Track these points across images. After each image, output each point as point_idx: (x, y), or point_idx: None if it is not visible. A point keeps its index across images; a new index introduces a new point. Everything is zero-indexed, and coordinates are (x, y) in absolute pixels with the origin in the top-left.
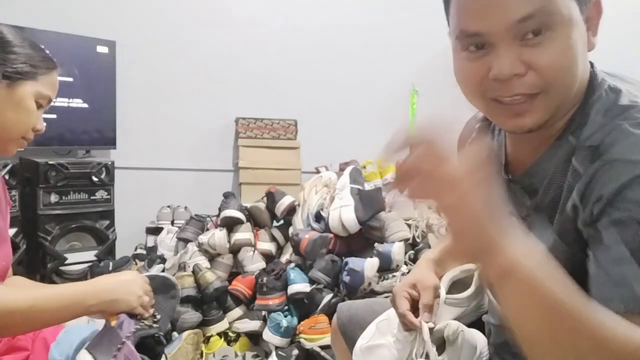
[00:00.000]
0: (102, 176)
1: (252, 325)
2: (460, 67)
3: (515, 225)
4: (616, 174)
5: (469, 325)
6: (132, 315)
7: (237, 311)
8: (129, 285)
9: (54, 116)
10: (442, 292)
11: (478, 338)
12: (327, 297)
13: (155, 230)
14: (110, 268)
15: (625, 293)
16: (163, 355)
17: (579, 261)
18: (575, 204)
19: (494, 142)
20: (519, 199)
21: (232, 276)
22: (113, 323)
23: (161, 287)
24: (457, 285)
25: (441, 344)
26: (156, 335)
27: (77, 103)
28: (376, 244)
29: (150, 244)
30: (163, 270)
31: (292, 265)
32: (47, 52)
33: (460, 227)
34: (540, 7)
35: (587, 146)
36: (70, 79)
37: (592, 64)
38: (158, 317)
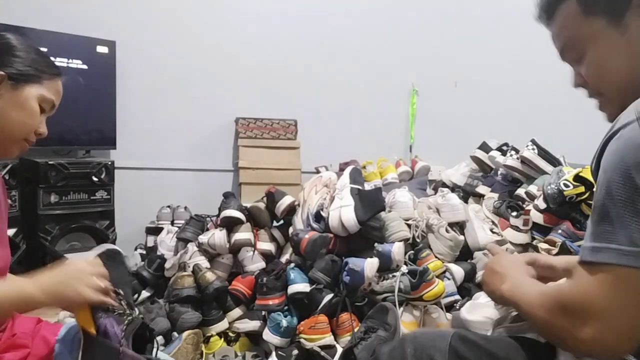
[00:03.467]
0: (102, 176)
1: (252, 325)
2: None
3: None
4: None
5: None
6: (104, 309)
7: (237, 311)
8: (76, 275)
9: (54, 116)
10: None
11: None
12: (327, 297)
13: (155, 230)
14: None
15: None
16: (155, 342)
17: None
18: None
19: None
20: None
21: (232, 276)
22: (93, 331)
23: (109, 260)
24: None
25: None
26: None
27: (77, 103)
28: (376, 244)
29: (150, 244)
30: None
31: (292, 265)
32: (50, 61)
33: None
34: (564, 42)
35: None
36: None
37: None
38: (121, 292)
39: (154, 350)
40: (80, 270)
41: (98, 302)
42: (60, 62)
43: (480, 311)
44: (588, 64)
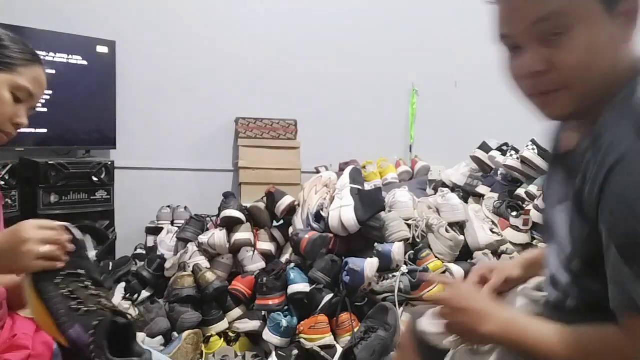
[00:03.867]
0: (102, 176)
1: (252, 325)
2: (505, 67)
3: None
4: (601, 179)
5: None
6: (67, 310)
7: (237, 311)
8: (15, 245)
9: (54, 116)
10: (526, 285)
11: None
12: (327, 297)
13: (155, 230)
14: (110, 268)
15: (622, 293)
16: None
17: (594, 233)
18: (590, 199)
19: (555, 132)
20: (562, 180)
21: (232, 276)
22: (65, 343)
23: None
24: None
25: None
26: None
27: (77, 103)
28: (376, 244)
29: (150, 244)
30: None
31: (292, 265)
32: (29, 47)
33: (465, 326)
34: (553, 9)
35: (602, 142)
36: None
37: None
38: (81, 271)
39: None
40: (19, 238)
41: (41, 268)
42: (60, 62)
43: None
44: (578, 45)
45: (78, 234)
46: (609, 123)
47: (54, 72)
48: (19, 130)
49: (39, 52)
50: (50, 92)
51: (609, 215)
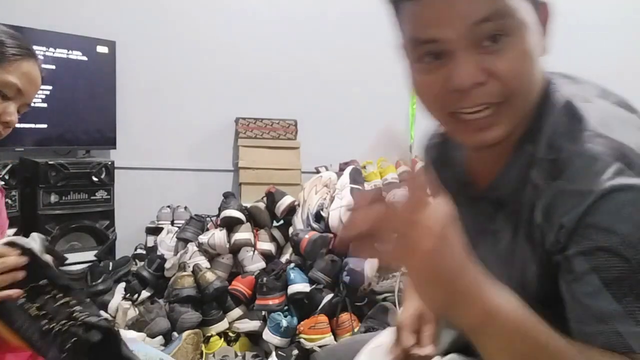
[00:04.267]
0: (102, 176)
1: (252, 325)
2: (416, 80)
3: (485, 273)
4: (572, 204)
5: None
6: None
7: (237, 311)
8: None
9: (54, 116)
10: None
11: None
12: (327, 297)
13: (155, 230)
14: (110, 268)
15: (607, 330)
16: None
17: (551, 277)
18: (540, 225)
19: (454, 157)
20: (484, 215)
21: (232, 276)
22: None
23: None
24: None
25: None
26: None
27: (77, 103)
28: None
29: (150, 244)
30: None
31: (292, 265)
32: (21, 40)
33: (434, 277)
34: (495, 10)
35: (545, 159)
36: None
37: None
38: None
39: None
40: None
41: None
42: (60, 62)
43: None
44: (522, 52)
45: (26, 242)
46: (559, 144)
47: (54, 72)
48: (19, 127)
49: (39, 52)
50: (50, 91)
51: (582, 240)
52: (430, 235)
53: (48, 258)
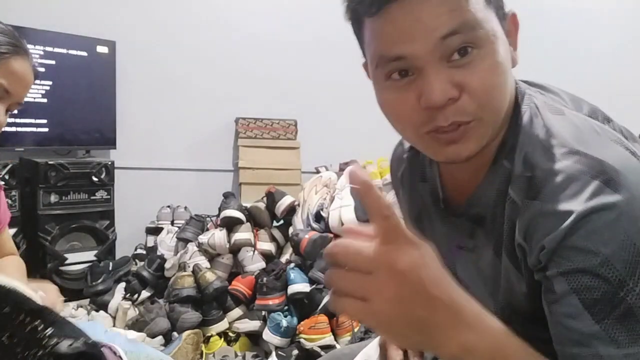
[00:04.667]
0: (102, 176)
1: (252, 325)
2: (385, 99)
3: (462, 296)
4: (551, 226)
5: None
6: None
7: (237, 311)
8: None
9: (54, 116)
10: None
11: None
12: (327, 297)
13: (155, 230)
14: (110, 268)
15: (588, 353)
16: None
17: (538, 295)
18: (521, 244)
19: (427, 172)
20: (463, 231)
21: (232, 276)
22: None
23: None
24: None
25: None
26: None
27: (77, 103)
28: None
29: (150, 244)
30: None
31: (292, 265)
32: (9, 37)
33: (404, 322)
34: (462, 22)
35: (522, 175)
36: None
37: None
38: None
39: None
40: None
41: None
42: (60, 62)
43: None
44: (492, 64)
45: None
46: (534, 161)
47: (54, 71)
48: (19, 127)
49: (39, 53)
50: (50, 91)
51: (563, 262)
52: (396, 279)
53: (10, 282)
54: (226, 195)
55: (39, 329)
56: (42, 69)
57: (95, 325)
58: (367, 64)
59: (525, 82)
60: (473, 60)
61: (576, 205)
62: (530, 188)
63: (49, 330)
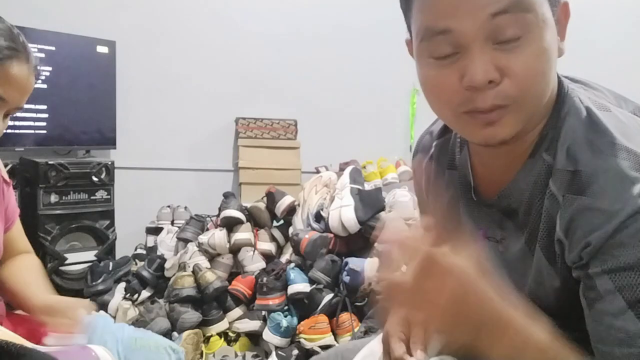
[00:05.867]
0: (102, 176)
1: (252, 325)
2: (426, 75)
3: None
4: (598, 222)
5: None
6: None
7: (237, 311)
8: None
9: (54, 116)
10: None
11: None
12: (327, 297)
13: (155, 230)
14: (110, 268)
15: (632, 352)
16: None
17: (569, 291)
18: (560, 239)
19: (457, 159)
20: (492, 222)
21: (232, 276)
22: None
23: None
24: None
25: None
26: None
27: (77, 103)
28: (376, 244)
29: (150, 244)
30: None
31: (292, 265)
32: (7, 41)
33: (458, 322)
34: (515, 2)
35: (564, 170)
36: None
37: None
38: None
39: None
40: None
41: None
42: (60, 62)
43: None
44: (537, 51)
45: None
46: (579, 155)
47: (54, 72)
48: (19, 127)
49: (39, 53)
50: (50, 91)
51: (609, 259)
52: (450, 287)
53: None
54: (226, 195)
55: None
56: (42, 69)
57: (106, 317)
58: (410, 41)
59: (567, 77)
60: (520, 45)
61: (625, 203)
62: (575, 183)
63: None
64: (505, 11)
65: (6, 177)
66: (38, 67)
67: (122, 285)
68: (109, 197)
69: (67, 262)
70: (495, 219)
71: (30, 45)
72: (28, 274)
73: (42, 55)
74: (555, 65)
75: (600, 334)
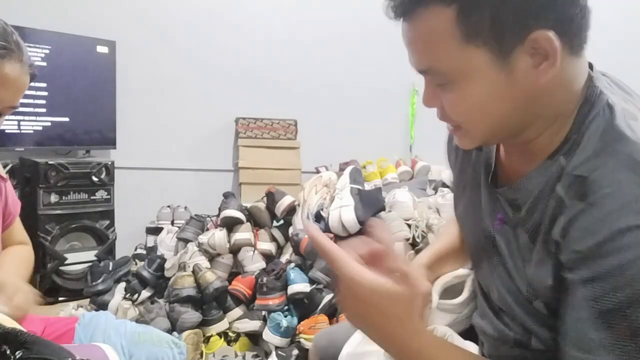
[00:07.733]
0: (102, 176)
1: (252, 325)
2: None
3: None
4: (591, 230)
5: (464, 334)
6: None
7: (237, 311)
8: None
9: (54, 116)
10: (435, 297)
11: (468, 346)
12: (327, 297)
13: (155, 230)
14: (110, 268)
15: (588, 357)
16: None
17: (559, 291)
18: (558, 240)
19: (482, 151)
20: (502, 209)
21: (232, 276)
22: None
23: None
24: (449, 291)
25: None
26: None
27: (77, 103)
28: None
29: (150, 244)
30: None
31: (292, 265)
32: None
33: (373, 334)
34: (428, 67)
35: (575, 175)
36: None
37: (591, 69)
38: None
39: None
40: None
41: None
42: (60, 62)
43: None
44: (458, 99)
45: None
46: (595, 164)
47: (54, 72)
48: (21, 129)
49: (39, 53)
50: (50, 91)
51: (592, 267)
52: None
53: None
54: (226, 195)
55: (7, 353)
56: (42, 68)
57: (107, 313)
58: None
59: (604, 75)
60: (446, 89)
61: (622, 217)
62: (581, 189)
63: (19, 353)
64: (424, 72)
65: (3, 173)
66: (33, 67)
67: (122, 285)
68: (109, 197)
69: (67, 262)
70: (502, 207)
71: (30, 45)
72: (6, 256)
73: (42, 55)
74: (508, 101)
75: (567, 336)
